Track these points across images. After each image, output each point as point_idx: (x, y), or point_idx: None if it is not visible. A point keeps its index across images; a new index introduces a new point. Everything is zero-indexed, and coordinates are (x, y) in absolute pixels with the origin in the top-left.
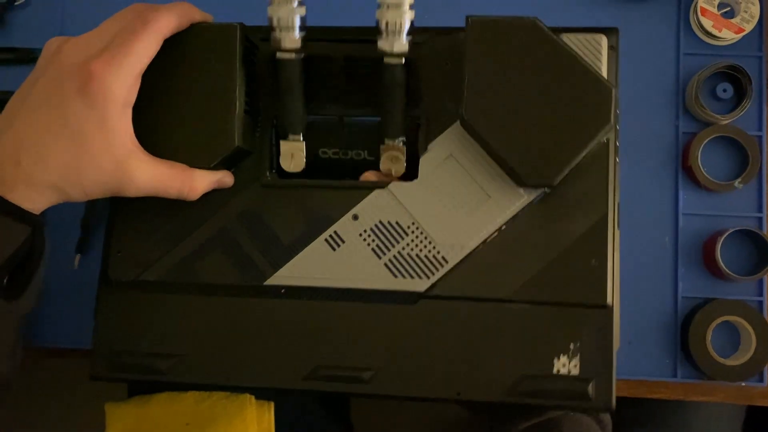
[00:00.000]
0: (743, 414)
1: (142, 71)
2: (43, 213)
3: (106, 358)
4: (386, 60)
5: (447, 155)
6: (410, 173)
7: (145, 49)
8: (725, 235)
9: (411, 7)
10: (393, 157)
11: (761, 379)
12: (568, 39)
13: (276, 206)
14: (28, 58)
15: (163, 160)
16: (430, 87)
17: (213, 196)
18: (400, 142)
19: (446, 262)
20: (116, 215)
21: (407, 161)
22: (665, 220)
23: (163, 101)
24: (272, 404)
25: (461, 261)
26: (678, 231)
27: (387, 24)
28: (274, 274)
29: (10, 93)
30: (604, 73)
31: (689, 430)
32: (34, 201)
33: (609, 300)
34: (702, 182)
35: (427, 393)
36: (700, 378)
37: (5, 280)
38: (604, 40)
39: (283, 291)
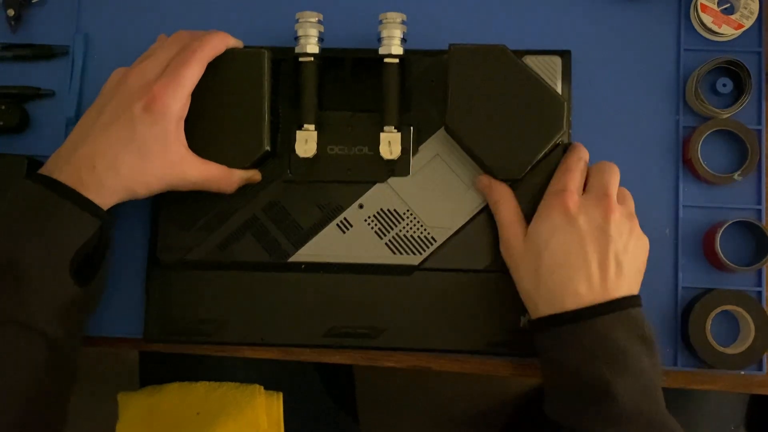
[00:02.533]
0: (745, 406)
1: (191, 91)
2: (110, 211)
3: (157, 325)
4: (386, 60)
5: (434, 155)
6: (404, 167)
7: (194, 74)
8: (725, 227)
9: (403, 22)
10: (390, 141)
11: (761, 368)
12: (531, 60)
13: (296, 198)
14: (44, 54)
15: (209, 162)
16: (419, 98)
17: (244, 190)
18: (396, 129)
19: (435, 240)
20: (161, 209)
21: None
22: (666, 211)
23: (207, 114)
24: (281, 394)
25: (447, 240)
26: (678, 223)
27: (385, 34)
28: (296, 253)
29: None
30: (559, 89)
31: (691, 420)
32: (104, 198)
33: None
34: (702, 175)
35: (421, 345)
36: (700, 367)
37: (77, 267)
38: (559, 61)
39: (303, 266)
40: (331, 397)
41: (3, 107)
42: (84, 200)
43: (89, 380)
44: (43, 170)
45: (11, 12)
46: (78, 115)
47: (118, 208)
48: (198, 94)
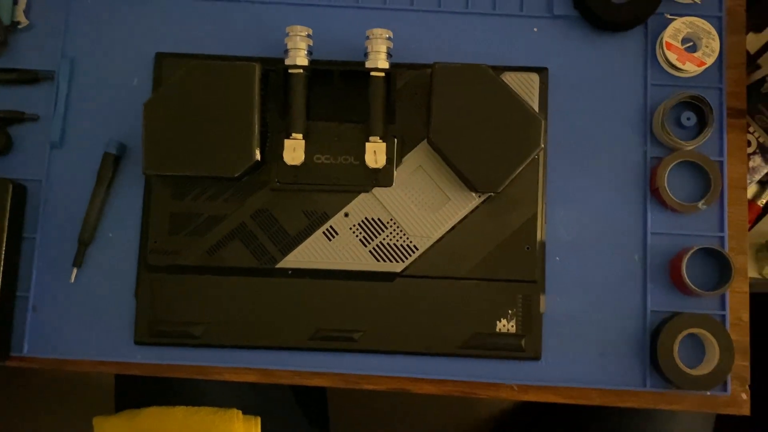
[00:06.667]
0: (711, 426)
1: None
2: None
3: (148, 328)
4: (372, 74)
5: (417, 166)
6: (389, 177)
7: None
8: (690, 253)
9: (390, 39)
10: (376, 151)
11: (725, 389)
12: (509, 77)
13: (283, 205)
14: (29, 78)
15: None
16: (403, 110)
17: (231, 196)
18: (381, 140)
19: (417, 249)
20: (151, 213)
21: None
22: (635, 238)
23: (198, 126)
24: (259, 419)
25: (428, 248)
26: (647, 249)
27: (372, 49)
28: (283, 259)
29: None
30: (536, 106)
31: None
32: None
33: (536, 277)
34: (669, 204)
35: (401, 348)
36: (668, 388)
37: None
38: (536, 78)
39: (290, 272)
40: (307, 420)
41: None
42: None
43: (64, 404)
44: None
45: None
46: (62, 140)
47: (109, 213)
48: (190, 106)
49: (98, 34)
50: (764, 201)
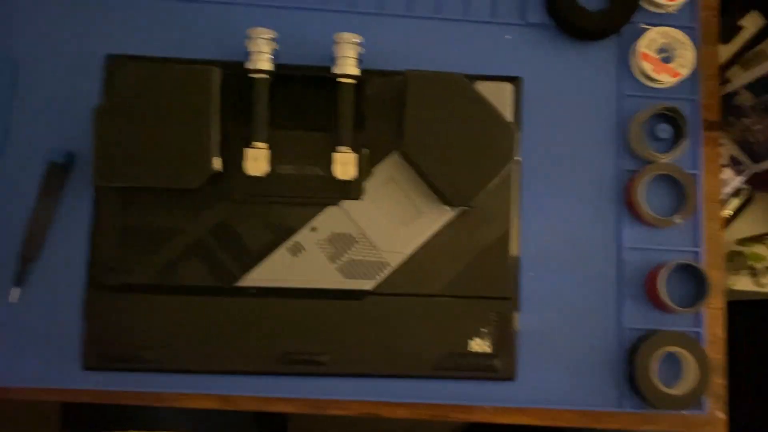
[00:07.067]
0: None
1: None
2: None
3: (98, 352)
4: (339, 80)
5: (388, 178)
6: (358, 189)
7: None
8: (668, 270)
9: (359, 44)
10: (344, 162)
11: (701, 407)
12: (482, 86)
13: (244, 219)
14: None
15: None
16: (372, 118)
17: (188, 209)
18: (351, 150)
19: (388, 265)
20: (99, 227)
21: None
22: (609, 254)
23: (153, 133)
24: None
25: (400, 265)
26: (622, 264)
27: (340, 54)
28: (244, 277)
29: None
30: (509, 115)
31: None
32: None
33: (510, 293)
34: (643, 218)
35: (373, 371)
36: (644, 408)
37: None
38: (509, 88)
39: (252, 291)
40: None
41: None
42: None
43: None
44: None
45: None
46: (3, 148)
47: (55, 227)
48: (144, 112)
49: (43, 32)
50: (729, 212)
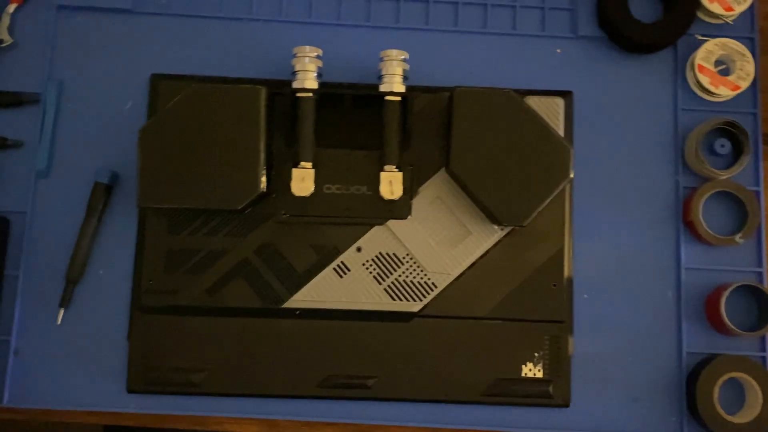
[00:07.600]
0: None
1: None
2: None
3: (142, 375)
4: (387, 98)
5: (435, 197)
6: (405, 209)
7: None
8: (729, 291)
9: (405, 60)
10: (391, 181)
11: None
12: (532, 101)
13: (290, 239)
14: (13, 101)
15: None
16: (418, 136)
17: (233, 229)
18: (397, 169)
19: (435, 287)
20: (144, 249)
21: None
22: (667, 274)
23: (199, 153)
24: None
25: (448, 286)
26: (681, 285)
27: (387, 71)
28: (290, 299)
29: None
30: (561, 131)
31: None
32: None
33: (564, 316)
34: (703, 237)
35: (420, 396)
36: None
37: None
38: (561, 102)
39: (298, 312)
40: None
41: None
42: None
43: None
44: None
45: None
46: (49, 168)
47: (100, 248)
48: (188, 133)
49: (88, 53)
50: None
